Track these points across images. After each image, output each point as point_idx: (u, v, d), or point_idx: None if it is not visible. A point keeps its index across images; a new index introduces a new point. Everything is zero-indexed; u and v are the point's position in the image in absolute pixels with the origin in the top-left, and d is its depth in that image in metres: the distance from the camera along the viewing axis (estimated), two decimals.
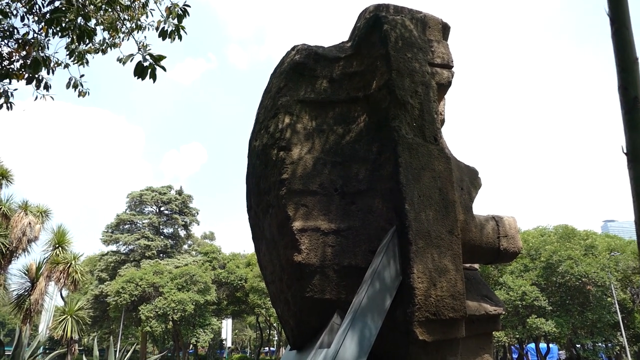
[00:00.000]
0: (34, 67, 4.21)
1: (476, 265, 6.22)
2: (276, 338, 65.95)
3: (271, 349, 67.73)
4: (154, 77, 3.88)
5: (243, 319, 64.73)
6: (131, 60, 3.86)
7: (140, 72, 3.74)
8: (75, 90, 4.68)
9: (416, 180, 5.18)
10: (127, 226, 45.01)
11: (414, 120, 5.53)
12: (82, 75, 4.66)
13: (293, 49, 6.69)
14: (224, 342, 68.58)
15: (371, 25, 6.17)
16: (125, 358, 9.27)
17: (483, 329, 5.35)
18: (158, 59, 3.80)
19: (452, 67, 6.06)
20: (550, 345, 36.44)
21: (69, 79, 4.69)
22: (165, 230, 46.84)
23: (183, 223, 46.47)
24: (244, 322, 74.29)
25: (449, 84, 5.97)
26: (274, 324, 46.88)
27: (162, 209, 46.65)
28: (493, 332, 5.60)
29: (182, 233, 47.54)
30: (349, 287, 5.26)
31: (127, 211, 45.57)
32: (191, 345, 42.68)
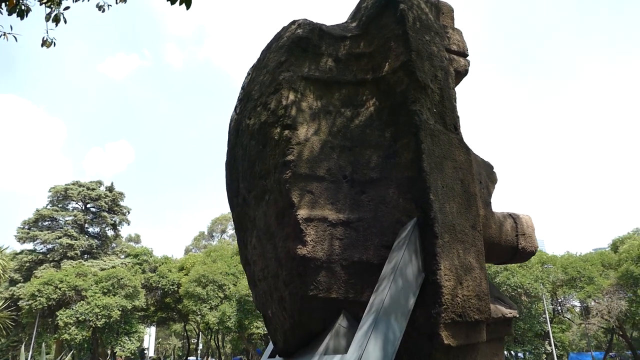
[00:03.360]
0: None
1: None
2: (200, 347, 63.21)
3: (198, 359, 64.78)
4: (187, 2, 3.09)
5: (168, 327, 61.49)
6: None
7: None
8: (55, 25, 3.68)
9: (439, 170, 4.75)
10: (47, 223, 40.89)
11: (434, 106, 5.12)
12: (66, 8, 3.65)
13: (293, 23, 6.05)
14: (145, 351, 64.62)
15: (383, 4, 5.71)
16: None
17: (497, 334, 5.00)
18: None
19: (468, 55, 5.75)
20: None
21: (51, 9, 3.69)
22: (90, 229, 43.15)
23: (112, 222, 43.06)
24: (168, 330, 70.65)
25: (466, 72, 5.65)
26: (204, 332, 44.75)
27: (89, 205, 42.94)
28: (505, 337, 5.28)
29: (110, 233, 44.07)
30: (358, 286, 4.70)
31: (49, 206, 41.43)
32: (109, 355, 39.50)
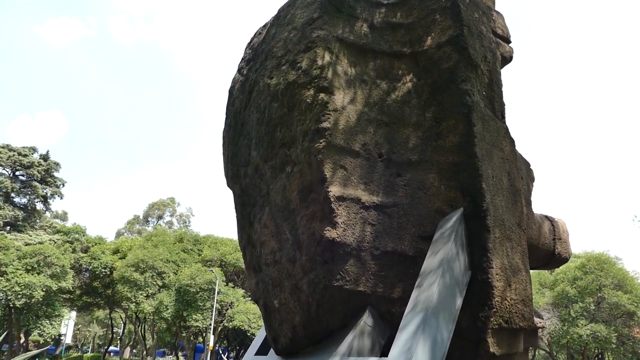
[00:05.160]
0: None
1: None
2: (121, 337, 59.92)
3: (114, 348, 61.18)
4: None
5: (90, 313, 57.58)
6: None
7: None
8: None
9: (489, 158, 4.28)
10: None
11: (484, 88, 4.65)
12: None
13: None
14: (62, 338, 60.27)
15: None
16: None
17: (526, 344, 4.59)
18: None
19: (511, 41, 5.35)
20: None
21: None
22: (17, 199, 39.32)
23: (43, 194, 39.51)
24: (90, 317, 66.41)
25: (511, 58, 5.25)
26: (132, 321, 42.21)
27: (18, 173, 39.09)
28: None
29: (40, 206, 40.40)
30: (388, 280, 4.12)
31: None
32: (22, 340, 36.20)
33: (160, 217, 65.68)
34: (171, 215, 65.32)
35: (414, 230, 4.20)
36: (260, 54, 5.48)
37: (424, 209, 4.25)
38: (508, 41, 5.29)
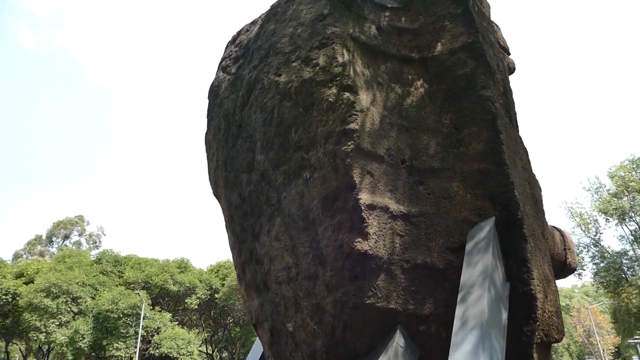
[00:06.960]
0: None
1: None
2: None
3: None
4: None
5: None
6: None
7: None
8: None
9: (514, 166, 4.17)
10: None
11: (500, 96, 4.58)
12: None
13: None
14: None
15: None
16: None
17: None
18: None
19: (510, 53, 5.40)
20: None
21: None
22: None
23: None
24: None
25: (514, 69, 5.26)
26: (35, 354, 37.45)
27: None
28: None
29: None
30: (419, 295, 3.82)
31: None
32: None
33: (66, 237, 59.78)
34: (80, 235, 59.64)
35: (442, 241, 3.94)
36: (257, 50, 5.01)
37: (451, 219, 4.02)
38: (508, 52, 5.33)
